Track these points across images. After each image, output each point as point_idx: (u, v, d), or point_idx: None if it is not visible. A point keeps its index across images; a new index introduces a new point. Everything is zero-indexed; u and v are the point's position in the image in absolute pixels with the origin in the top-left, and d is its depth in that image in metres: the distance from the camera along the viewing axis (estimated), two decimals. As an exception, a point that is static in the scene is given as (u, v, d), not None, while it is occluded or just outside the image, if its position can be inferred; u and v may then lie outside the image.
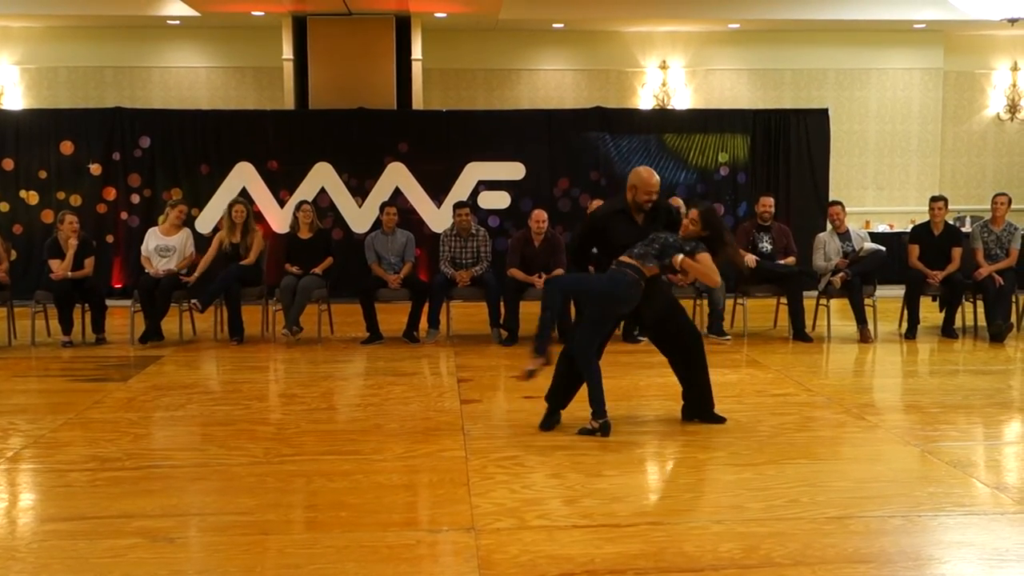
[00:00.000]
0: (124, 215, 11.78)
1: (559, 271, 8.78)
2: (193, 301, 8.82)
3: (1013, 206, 9.56)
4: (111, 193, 11.77)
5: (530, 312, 9.05)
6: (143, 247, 9.20)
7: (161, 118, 11.98)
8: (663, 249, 5.61)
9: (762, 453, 5.28)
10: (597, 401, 5.57)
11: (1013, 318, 9.14)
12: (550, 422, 5.77)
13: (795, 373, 7.50)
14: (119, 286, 11.61)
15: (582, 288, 6.00)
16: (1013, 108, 14.42)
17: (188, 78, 13.76)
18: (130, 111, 12.04)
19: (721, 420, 5.88)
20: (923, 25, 13.44)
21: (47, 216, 11.53)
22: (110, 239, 11.70)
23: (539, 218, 8.93)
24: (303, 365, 8.04)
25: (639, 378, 7.26)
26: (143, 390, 6.98)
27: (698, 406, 5.93)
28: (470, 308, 9.56)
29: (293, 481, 4.85)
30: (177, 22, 13.06)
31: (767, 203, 9.25)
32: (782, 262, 9.07)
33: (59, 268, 8.76)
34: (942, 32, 13.82)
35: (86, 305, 8.96)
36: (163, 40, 13.62)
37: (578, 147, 11.99)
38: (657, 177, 5.88)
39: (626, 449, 5.39)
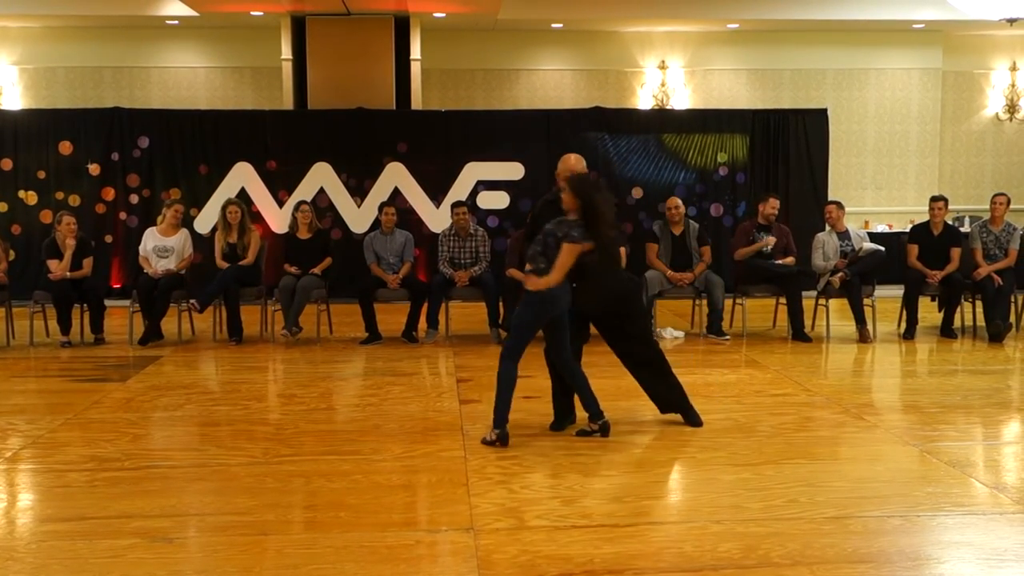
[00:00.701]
0: (123, 215, 11.78)
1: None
2: (192, 301, 8.82)
3: (1012, 206, 9.57)
4: (110, 193, 11.77)
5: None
6: (141, 248, 9.19)
7: (160, 118, 11.98)
8: (546, 245, 5.27)
9: (761, 453, 5.28)
10: (590, 404, 5.56)
11: (1012, 318, 9.14)
12: (561, 424, 5.77)
13: (794, 373, 7.50)
14: (118, 286, 11.61)
15: (525, 336, 5.48)
16: (1012, 108, 14.42)
17: (187, 78, 13.76)
18: (129, 111, 12.04)
19: (698, 423, 5.81)
20: (922, 25, 13.44)
21: (46, 216, 11.52)
22: (109, 239, 11.70)
23: (538, 218, 8.92)
24: (302, 365, 8.03)
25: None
26: (142, 390, 6.98)
27: (670, 401, 5.88)
28: (469, 308, 9.56)
29: (292, 481, 4.85)
30: (176, 22, 13.06)
31: (775, 204, 9.23)
32: (781, 262, 9.07)
33: (57, 268, 8.75)
34: (941, 32, 13.83)
35: (85, 305, 8.95)
36: (162, 40, 13.61)
37: (577, 147, 11.90)
38: (574, 161, 5.64)
39: (625, 449, 5.39)
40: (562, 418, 5.79)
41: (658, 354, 5.91)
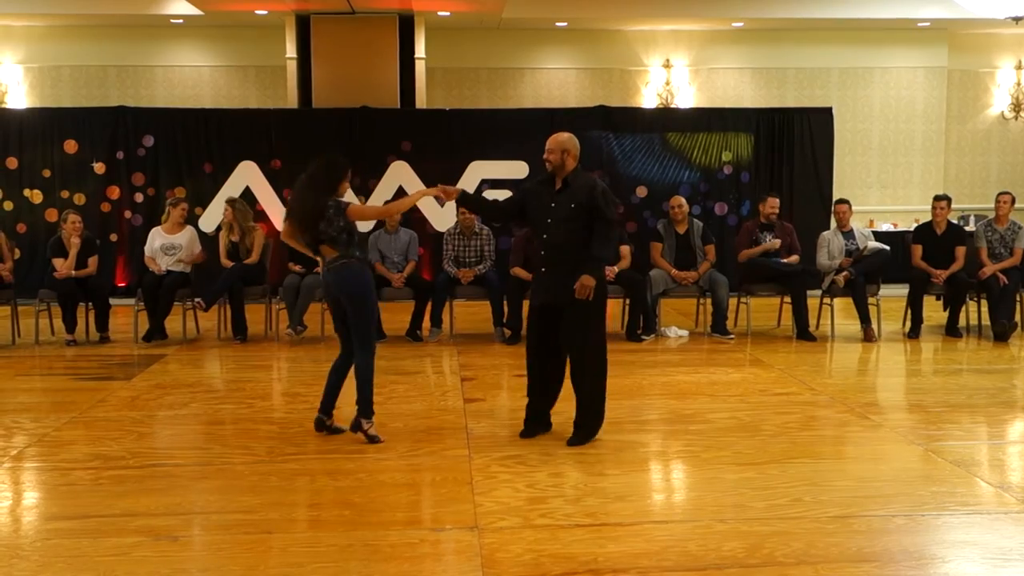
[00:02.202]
0: (128, 214, 11.80)
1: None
2: (197, 300, 8.83)
3: (1017, 205, 9.55)
4: (115, 192, 11.79)
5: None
6: (147, 247, 9.20)
7: (165, 117, 12.00)
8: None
9: (765, 452, 5.28)
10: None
11: (1017, 317, 9.12)
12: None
13: (798, 372, 7.50)
14: (123, 285, 11.63)
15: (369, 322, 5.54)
16: (1017, 107, 14.39)
17: (192, 77, 13.77)
18: (133, 110, 12.07)
19: (581, 441, 5.35)
20: (927, 23, 13.42)
21: (51, 215, 11.55)
22: (114, 238, 11.72)
23: (542, 217, 8.92)
24: (306, 364, 8.04)
25: (642, 377, 7.26)
26: (146, 389, 6.99)
27: (577, 417, 5.47)
28: (473, 307, 9.56)
29: (296, 480, 4.85)
30: (180, 21, 13.07)
31: (774, 204, 9.23)
32: (785, 260, 9.06)
33: (63, 267, 8.77)
34: (946, 30, 13.80)
35: (90, 304, 8.97)
36: (167, 39, 13.62)
37: (581, 146, 11.88)
38: (560, 136, 5.46)
39: (629, 448, 5.39)
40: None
41: (592, 367, 5.49)
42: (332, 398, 5.64)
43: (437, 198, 6.12)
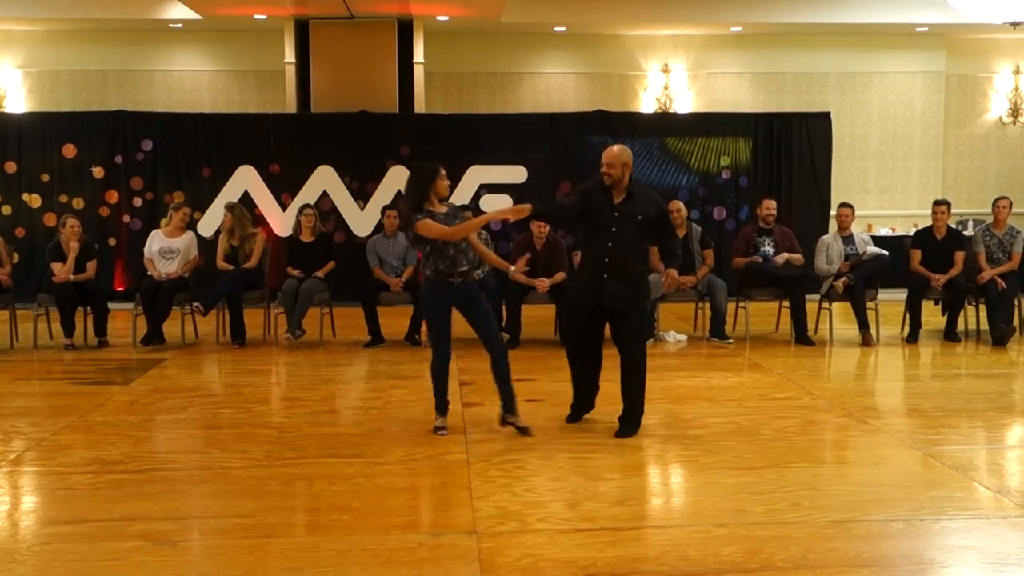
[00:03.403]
0: (126, 218, 11.80)
1: (561, 275, 8.79)
2: (195, 304, 8.83)
3: (1015, 209, 9.55)
4: (113, 196, 11.79)
5: (532, 315, 9.09)
6: (146, 249, 9.20)
7: (163, 121, 12.01)
8: None
9: (764, 456, 5.27)
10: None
11: (1015, 322, 9.13)
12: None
13: (797, 376, 7.50)
14: (121, 289, 11.63)
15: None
16: (1015, 112, 14.41)
17: (190, 81, 13.78)
18: (132, 114, 12.07)
19: (631, 433, 5.68)
20: (925, 28, 13.44)
21: (49, 219, 11.55)
22: (112, 242, 11.72)
23: (541, 222, 8.93)
24: (305, 368, 8.04)
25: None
26: (145, 393, 6.98)
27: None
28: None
29: (295, 484, 4.85)
30: (179, 25, 13.09)
31: (770, 206, 9.25)
32: (787, 257, 9.03)
33: (61, 271, 8.77)
34: (944, 35, 13.82)
35: (88, 308, 8.97)
36: (165, 43, 13.63)
37: (580, 150, 11.99)
38: (616, 150, 5.62)
39: (628, 452, 5.39)
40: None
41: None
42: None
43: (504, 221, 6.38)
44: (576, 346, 5.85)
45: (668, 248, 5.93)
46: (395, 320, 9.15)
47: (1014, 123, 14.46)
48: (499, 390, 5.74)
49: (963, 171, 14.51)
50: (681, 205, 9.33)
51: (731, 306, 9.27)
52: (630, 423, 5.71)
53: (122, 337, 9.15)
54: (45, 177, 11.75)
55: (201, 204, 11.67)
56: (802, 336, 8.92)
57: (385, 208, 9.52)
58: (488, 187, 11.83)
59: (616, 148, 5.67)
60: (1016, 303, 9.14)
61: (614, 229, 5.58)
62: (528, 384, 7.21)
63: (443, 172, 5.70)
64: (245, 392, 7.09)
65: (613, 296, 5.59)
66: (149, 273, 9.03)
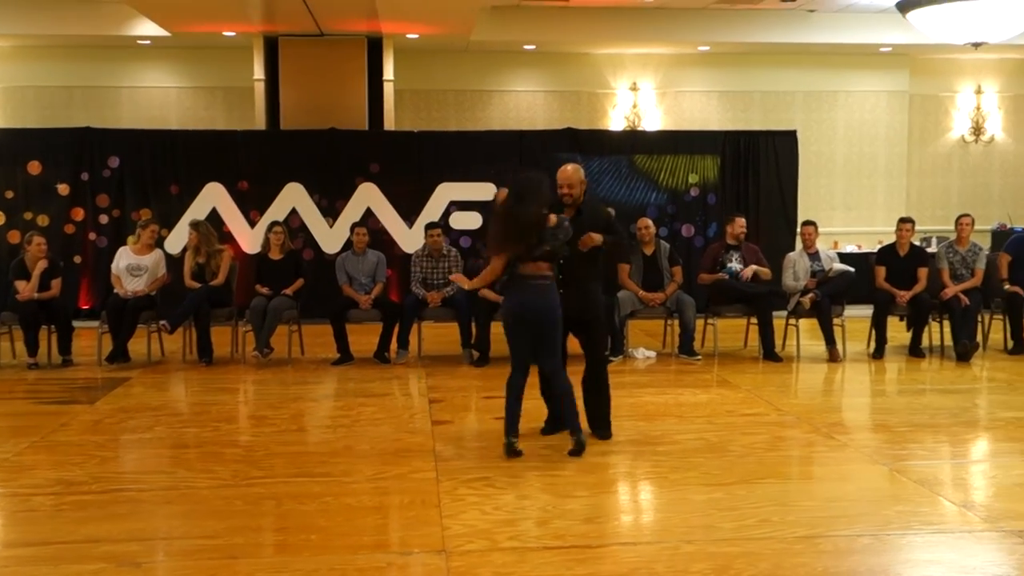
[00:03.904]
0: (92, 236, 11.68)
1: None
2: (162, 322, 8.74)
3: (977, 227, 9.69)
4: (79, 213, 11.67)
5: (501, 333, 9.04)
6: (113, 265, 9.11)
7: (130, 138, 11.91)
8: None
9: (732, 473, 5.30)
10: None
11: (979, 337, 9.24)
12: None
13: (765, 393, 7.54)
14: (86, 307, 11.49)
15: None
16: (977, 130, 14.64)
17: (158, 98, 13.69)
18: (99, 131, 11.96)
19: (605, 436, 5.95)
20: (889, 48, 13.64)
21: (13, 236, 11.40)
22: (78, 260, 11.59)
23: (510, 239, 8.94)
24: (273, 386, 7.98)
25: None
26: (110, 412, 6.90)
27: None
28: (441, 329, 9.54)
29: (262, 504, 4.81)
30: (147, 42, 13.01)
31: (742, 223, 9.32)
32: (756, 269, 9.08)
33: (25, 289, 8.66)
34: (907, 55, 14.04)
35: (52, 326, 8.85)
36: (133, 60, 13.54)
37: (549, 168, 11.95)
38: (571, 169, 5.84)
39: (597, 469, 5.39)
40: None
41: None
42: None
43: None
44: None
45: (617, 245, 6.13)
46: (364, 337, 9.12)
47: (976, 141, 14.69)
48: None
49: (927, 189, 14.71)
50: (650, 222, 9.39)
51: (700, 323, 9.32)
52: (605, 426, 5.98)
53: (87, 356, 9.05)
54: (10, 194, 11.60)
55: (169, 221, 11.56)
56: (770, 352, 8.98)
57: (354, 225, 9.51)
58: (458, 204, 11.82)
59: (571, 167, 5.82)
60: (979, 319, 9.26)
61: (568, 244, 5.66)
62: (497, 401, 7.19)
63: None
64: (212, 411, 7.03)
65: (572, 306, 5.69)
66: (116, 291, 8.94)
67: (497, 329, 8.84)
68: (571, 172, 5.82)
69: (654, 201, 12.15)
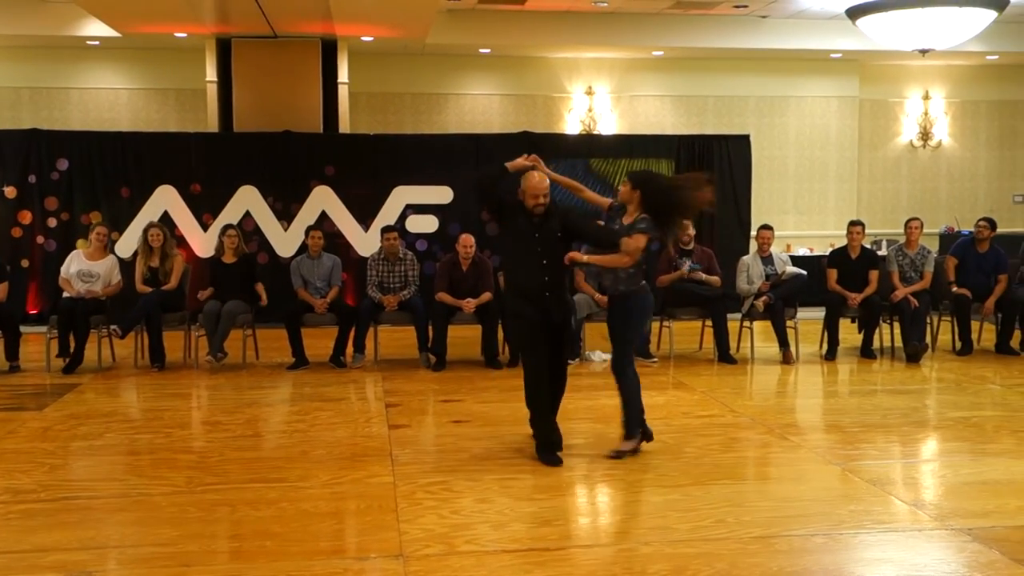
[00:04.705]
0: (40, 239, 11.46)
1: (487, 295, 8.80)
2: (113, 327, 8.61)
3: (925, 230, 9.87)
4: (27, 217, 11.45)
5: (458, 336, 9.07)
6: (63, 269, 8.95)
7: (80, 140, 11.70)
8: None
9: (688, 474, 5.34)
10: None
11: (928, 339, 9.41)
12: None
13: (720, 394, 7.61)
14: (34, 312, 11.28)
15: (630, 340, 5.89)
16: (925, 135, 14.91)
17: (108, 99, 13.49)
18: (47, 133, 11.74)
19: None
20: (839, 55, 13.85)
21: (-41, 240, 11.15)
22: (25, 263, 11.36)
23: (467, 242, 8.94)
24: (227, 392, 7.89)
25: (566, 401, 7.21)
26: (60, 419, 6.78)
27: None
28: (398, 332, 9.50)
29: (216, 510, 4.75)
30: (97, 43, 12.81)
31: (688, 230, 9.37)
32: (705, 278, 9.15)
33: (-29, 294, 8.48)
34: (857, 61, 14.26)
35: (-1, 332, 8.68)
36: (83, 61, 13.33)
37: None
38: (538, 178, 5.78)
39: (554, 473, 5.40)
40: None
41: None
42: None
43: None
44: (540, 369, 5.69)
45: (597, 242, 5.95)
46: (319, 341, 9.05)
47: (924, 146, 14.96)
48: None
49: (877, 193, 14.95)
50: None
51: (655, 325, 9.38)
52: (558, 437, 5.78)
53: (35, 361, 8.88)
54: (-46, 197, 11.36)
55: (119, 224, 11.38)
56: (724, 355, 9.07)
57: (309, 228, 9.44)
58: (414, 207, 11.78)
59: (537, 176, 5.77)
60: (928, 321, 9.43)
61: (539, 249, 5.66)
62: (454, 405, 7.20)
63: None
64: (165, 417, 6.93)
65: (553, 310, 5.67)
66: (66, 293, 8.76)
67: (454, 333, 8.88)
68: (535, 181, 5.74)
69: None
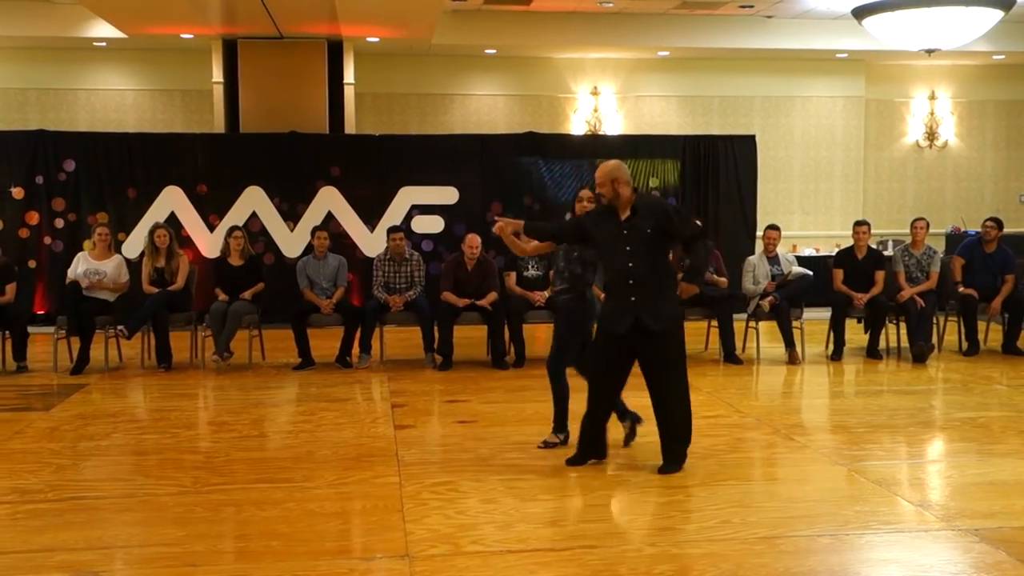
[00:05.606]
0: (48, 240, 11.50)
1: (493, 295, 8.81)
2: (120, 327, 8.63)
3: (931, 230, 9.85)
4: (34, 217, 11.48)
5: (464, 336, 9.07)
6: (70, 270, 8.96)
7: (86, 141, 11.74)
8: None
9: (694, 475, 5.33)
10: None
11: (934, 339, 9.39)
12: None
13: (726, 395, 7.60)
14: (42, 312, 11.31)
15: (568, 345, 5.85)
16: (931, 136, 14.89)
17: (115, 100, 13.53)
18: (54, 134, 11.78)
19: (677, 468, 5.42)
20: (845, 55, 13.84)
21: (-34, 241, 11.19)
22: (32, 264, 11.40)
23: (472, 243, 8.94)
24: (233, 392, 7.91)
25: (571, 402, 7.27)
26: (67, 419, 6.79)
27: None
28: (404, 333, 9.51)
29: (222, 511, 4.76)
30: (104, 44, 12.85)
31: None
32: (712, 280, 9.14)
33: (-22, 294, 8.51)
34: (863, 61, 14.24)
35: (7, 332, 8.70)
36: (89, 62, 13.37)
37: (511, 172, 12.05)
38: (609, 166, 5.29)
39: (560, 473, 5.40)
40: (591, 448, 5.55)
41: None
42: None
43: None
44: (606, 382, 5.49)
45: (690, 253, 5.52)
46: (325, 342, 9.07)
47: (930, 146, 14.93)
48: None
49: (883, 193, 14.93)
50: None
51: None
52: (675, 456, 5.38)
53: (43, 362, 8.90)
54: (-38, 198, 11.40)
55: (126, 225, 11.42)
56: (730, 355, 9.05)
57: (315, 229, 9.45)
58: (419, 208, 11.79)
59: (607, 164, 5.36)
60: (934, 321, 9.41)
61: (628, 249, 5.26)
62: (460, 405, 7.20)
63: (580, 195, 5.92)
64: (171, 417, 6.94)
65: (642, 317, 5.27)
66: (73, 286, 8.75)
67: (459, 333, 8.88)
68: (601, 170, 5.30)
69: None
